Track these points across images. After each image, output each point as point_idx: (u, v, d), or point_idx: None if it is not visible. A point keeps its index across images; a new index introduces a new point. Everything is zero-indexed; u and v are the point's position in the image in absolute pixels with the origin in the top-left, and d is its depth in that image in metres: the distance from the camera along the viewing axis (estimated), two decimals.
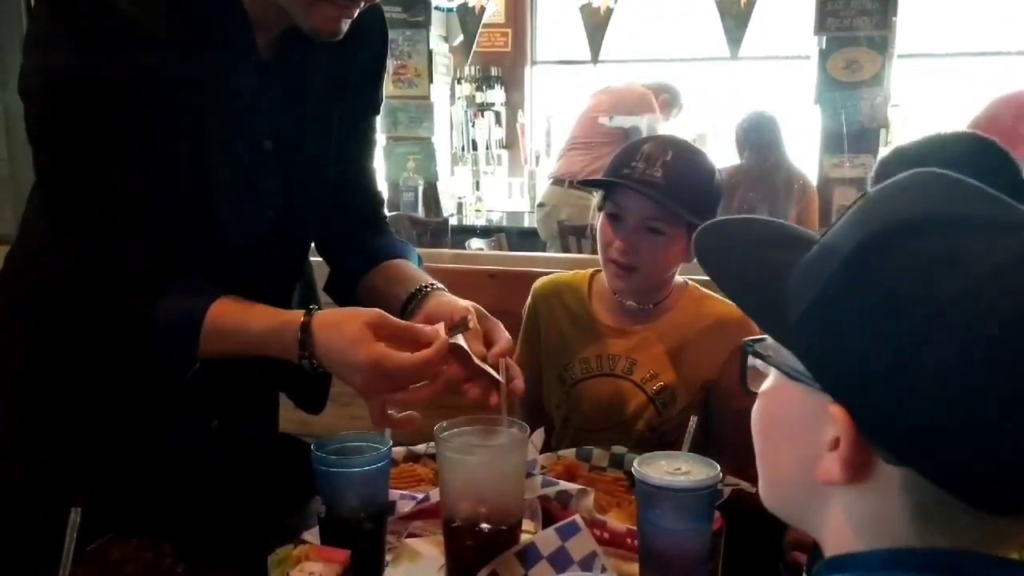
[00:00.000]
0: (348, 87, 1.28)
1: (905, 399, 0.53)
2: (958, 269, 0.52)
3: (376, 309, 1.08)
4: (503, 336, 1.19)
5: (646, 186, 1.48)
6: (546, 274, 1.82)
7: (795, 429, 0.64)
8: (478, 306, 1.21)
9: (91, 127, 1.06)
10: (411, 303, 1.24)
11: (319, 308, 1.10)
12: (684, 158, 1.52)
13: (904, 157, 1.40)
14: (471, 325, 1.12)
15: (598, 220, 1.62)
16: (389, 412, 1.10)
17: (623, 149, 1.61)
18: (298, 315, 1.08)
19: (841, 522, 0.62)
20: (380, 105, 1.39)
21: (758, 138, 4.24)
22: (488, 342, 1.18)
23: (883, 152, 4.32)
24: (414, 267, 1.34)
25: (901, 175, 0.61)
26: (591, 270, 1.74)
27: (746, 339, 0.69)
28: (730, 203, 3.87)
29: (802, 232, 0.70)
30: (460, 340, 1.11)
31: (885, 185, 0.61)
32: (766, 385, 0.69)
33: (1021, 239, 0.53)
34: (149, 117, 1.07)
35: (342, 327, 1.05)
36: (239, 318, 1.10)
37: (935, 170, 0.60)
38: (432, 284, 1.27)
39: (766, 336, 0.67)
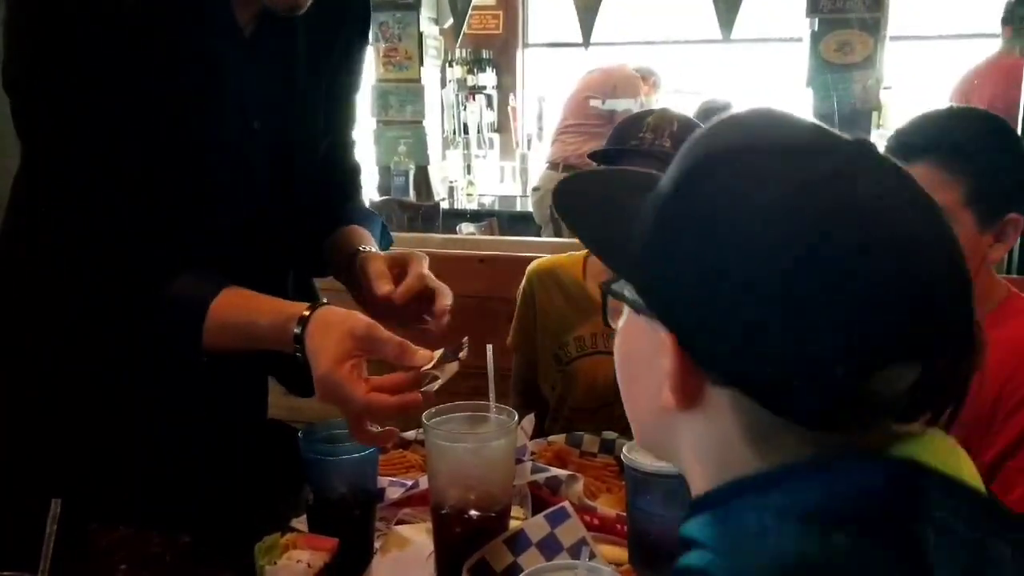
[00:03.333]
0: (332, 62, 1.27)
1: (717, 316, 0.56)
2: (767, 186, 0.55)
3: (370, 322, 1.03)
4: (444, 290, 1.15)
5: (659, 157, 1.51)
6: (537, 258, 1.83)
7: (643, 361, 0.66)
8: (397, 253, 1.19)
9: (80, 116, 1.05)
10: (350, 269, 1.21)
11: (326, 302, 1.06)
12: (689, 129, 1.57)
13: (916, 127, 1.40)
14: (462, 356, 1.05)
15: None
16: (369, 427, 1.04)
17: (623, 123, 1.65)
18: (301, 308, 1.04)
19: (689, 452, 0.65)
20: (361, 81, 1.37)
21: None
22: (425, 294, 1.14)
23: (875, 134, 4.31)
24: (361, 231, 1.30)
25: (729, 113, 0.64)
26: (585, 251, 1.75)
27: (604, 280, 0.71)
28: None
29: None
30: (437, 381, 1.03)
31: (713, 121, 0.64)
32: (621, 322, 0.71)
33: (832, 159, 0.56)
34: (136, 101, 1.06)
35: (327, 331, 1.01)
36: (244, 311, 1.07)
37: (762, 107, 0.63)
38: (360, 248, 1.23)
39: None
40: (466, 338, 1.05)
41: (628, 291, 0.66)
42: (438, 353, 1.02)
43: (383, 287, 1.13)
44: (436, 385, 1.02)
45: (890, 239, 0.54)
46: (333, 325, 1.01)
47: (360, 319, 1.02)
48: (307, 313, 1.03)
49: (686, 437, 0.65)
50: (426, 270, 1.16)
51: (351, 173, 1.43)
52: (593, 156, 1.67)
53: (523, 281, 1.79)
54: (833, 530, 0.54)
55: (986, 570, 0.56)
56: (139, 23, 1.04)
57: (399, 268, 1.17)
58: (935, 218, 0.57)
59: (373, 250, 1.23)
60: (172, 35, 1.06)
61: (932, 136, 1.33)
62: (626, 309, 0.69)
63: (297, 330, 1.02)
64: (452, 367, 1.03)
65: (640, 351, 0.67)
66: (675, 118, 1.58)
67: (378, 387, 0.99)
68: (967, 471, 0.60)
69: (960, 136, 1.32)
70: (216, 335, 1.06)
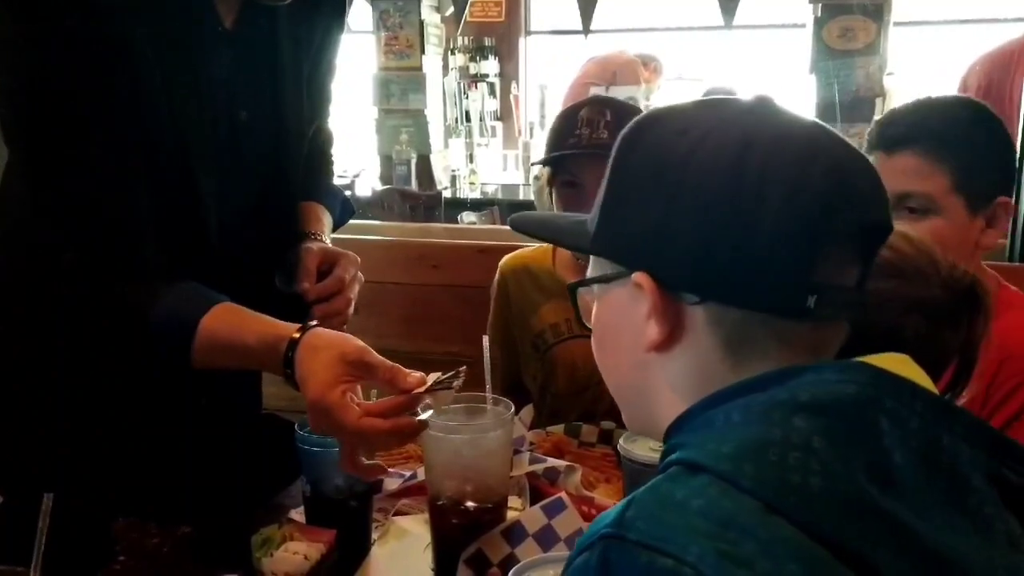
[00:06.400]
0: (313, 50, 1.27)
1: (677, 234, 0.65)
2: (697, 124, 0.67)
3: (361, 345, 1.01)
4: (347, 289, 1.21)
5: (600, 149, 1.48)
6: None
7: (617, 327, 0.73)
8: (323, 245, 1.25)
9: (69, 120, 1.04)
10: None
11: (315, 324, 1.04)
12: (623, 115, 1.52)
13: (896, 117, 1.40)
14: (456, 385, 1.02)
15: (552, 196, 1.65)
16: (360, 458, 1.02)
17: (558, 122, 1.64)
18: (291, 329, 1.02)
19: (669, 393, 0.70)
20: (336, 68, 1.37)
21: None
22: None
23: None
24: (315, 212, 1.34)
25: None
26: None
27: (570, 283, 0.78)
28: None
29: None
30: (430, 410, 1.01)
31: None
32: (594, 314, 0.77)
33: (743, 102, 0.69)
34: (123, 100, 1.05)
35: (316, 355, 0.99)
36: (234, 330, 1.05)
37: None
38: (307, 232, 1.29)
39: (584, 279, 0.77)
40: (463, 367, 1.02)
41: (594, 272, 0.74)
42: (432, 377, 1.00)
43: (302, 284, 1.21)
44: (428, 413, 1.00)
45: (803, 145, 0.65)
46: (323, 349, 0.99)
47: (351, 342, 1.00)
48: (297, 335, 1.01)
49: (665, 377, 0.70)
50: (350, 273, 1.22)
51: (323, 145, 1.44)
52: (537, 164, 1.67)
53: (496, 276, 1.82)
54: (794, 415, 0.59)
55: (940, 459, 0.60)
56: (121, 19, 1.03)
57: (328, 265, 1.23)
58: (838, 136, 0.67)
59: (323, 238, 1.29)
60: (154, 29, 1.05)
61: (913, 125, 1.33)
62: (595, 298, 0.76)
63: (287, 353, 1.00)
64: (446, 395, 1.01)
65: (613, 319, 0.73)
66: (608, 106, 1.55)
67: (370, 412, 0.97)
68: (923, 383, 0.65)
69: (940, 124, 1.32)
70: (205, 354, 1.04)
